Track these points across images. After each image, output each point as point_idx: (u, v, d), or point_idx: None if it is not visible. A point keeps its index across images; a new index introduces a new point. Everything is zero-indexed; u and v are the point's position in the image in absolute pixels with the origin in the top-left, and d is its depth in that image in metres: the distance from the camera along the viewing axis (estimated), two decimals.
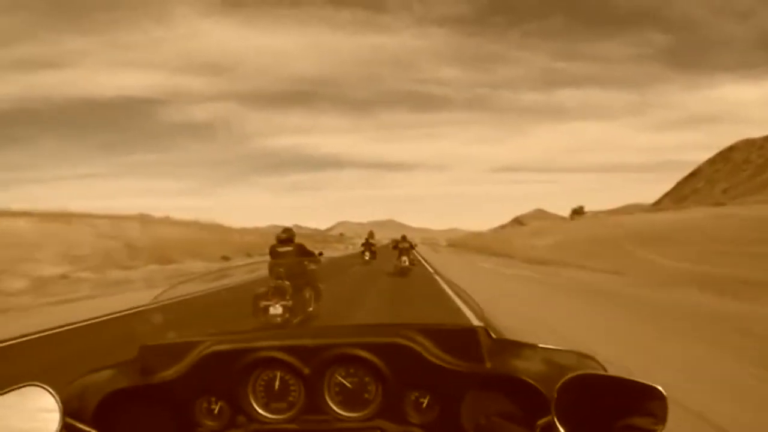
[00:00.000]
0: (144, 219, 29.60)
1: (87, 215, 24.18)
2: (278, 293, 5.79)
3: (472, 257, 31.35)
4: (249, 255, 26.91)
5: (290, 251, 6.58)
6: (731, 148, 70.06)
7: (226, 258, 23.94)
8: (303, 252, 6.72)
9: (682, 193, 67.95)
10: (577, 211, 67.97)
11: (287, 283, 5.87)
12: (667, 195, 74.35)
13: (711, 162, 72.32)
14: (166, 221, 31.28)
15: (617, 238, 23.03)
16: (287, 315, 5.74)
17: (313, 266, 6.60)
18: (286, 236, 6.69)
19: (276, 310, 5.72)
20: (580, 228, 35.52)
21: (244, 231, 38.03)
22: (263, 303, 5.75)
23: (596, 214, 67.10)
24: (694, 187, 67.54)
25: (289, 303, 5.79)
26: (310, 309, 6.26)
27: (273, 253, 6.69)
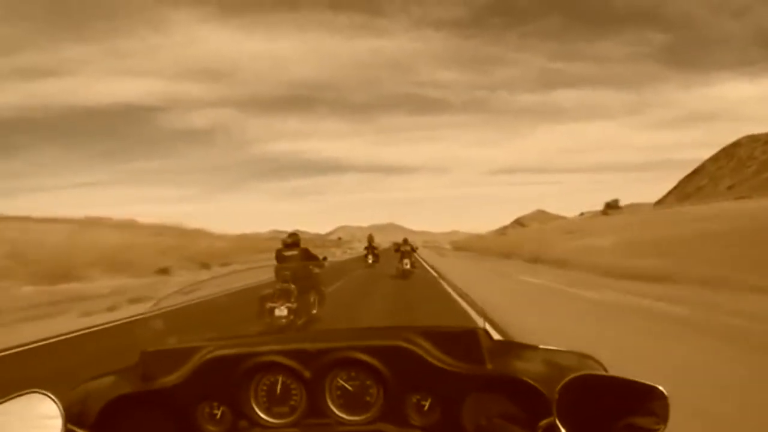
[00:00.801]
0: (89, 222, 24.90)
1: (5, 217, 20.31)
2: (284, 295, 5.88)
3: (499, 266, 22.13)
4: (205, 266, 21.26)
5: (296, 255, 6.79)
6: (734, 145, 69.58)
7: (163, 271, 18.52)
8: (308, 256, 6.88)
9: (685, 191, 67.44)
10: (612, 206, 59.39)
11: (292, 286, 5.96)
12: (670, 193, 73.86)
13: (714, 159, 71.83)
14: (127, 225, 27.24)
15: (744, 236, 13.73)
16: (292, 317, 5.83)
17: (317, 270, 6.68)
18: (292, 241, 6.94)
19: (281, 311, 5.81)
20: (633, 224, 27.07)
21: (218, 237, 32.74)
22: (269, 305, 5.83)
23: (636, 207, 63.98)
24: (698, 184, 67.06)
25: (294, 305, 5.88)
26: (314, 312, 6.32)
27: (279, 257, 6.86)
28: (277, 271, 6.22)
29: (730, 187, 52.94)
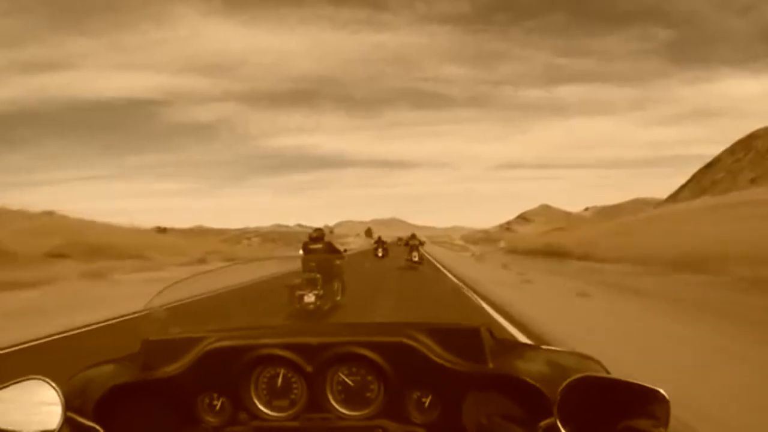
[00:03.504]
0: None
1: None
2: (310, 284, 6.44)
3: None
4: None
5: (320, 248, 7.69)
6: (752, 136, 67.05)
7: None
8: (331, 249, 7.82)
9: (701, 185, 65.06)
10: None
11: (318, 275, 6.47)
12: (684, 187, 71.47)
13: (730, 152, 69.28)
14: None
15: None
16: (318, 303, 6.40)
17: (338, 261, 7.07)
18: (317, 235, 7.87)
19: (309, 298, 6.37)
20: None
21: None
22: (298, 292, 6.22)
23: (643, 201, 60.05)
24: (713, 178, 64.62)
25: (320, 292, 6.46)
26: (338, 298, 6.70)
27: (306, 249, 7.85)
28: (304, 262, 6.76)
29: (752, 180, 50.44)
